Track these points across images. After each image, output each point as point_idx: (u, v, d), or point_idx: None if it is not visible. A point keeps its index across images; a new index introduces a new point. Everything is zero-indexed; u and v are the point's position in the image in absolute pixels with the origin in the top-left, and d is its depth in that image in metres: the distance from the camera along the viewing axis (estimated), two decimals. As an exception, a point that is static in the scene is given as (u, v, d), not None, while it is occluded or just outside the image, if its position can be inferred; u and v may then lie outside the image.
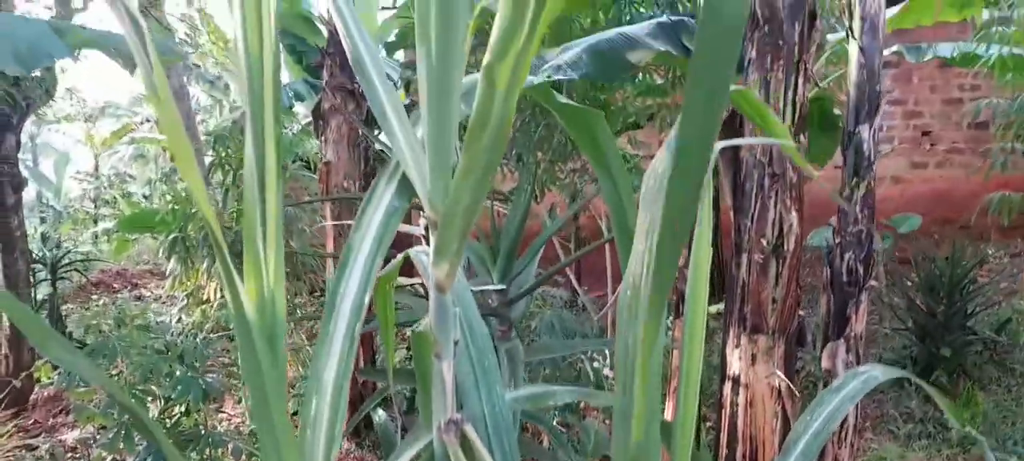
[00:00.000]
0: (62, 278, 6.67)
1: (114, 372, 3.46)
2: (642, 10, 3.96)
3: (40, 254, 6.48)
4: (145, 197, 10.13)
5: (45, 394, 4.86)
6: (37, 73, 4.08)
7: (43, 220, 9.47)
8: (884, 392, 4.57)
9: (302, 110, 7.09)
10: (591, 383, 3.52)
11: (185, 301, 5.89)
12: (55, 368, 4.81)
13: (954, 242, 5.18)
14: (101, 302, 7.47)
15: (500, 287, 2.40)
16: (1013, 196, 6.54)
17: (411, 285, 2.55)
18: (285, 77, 6.22)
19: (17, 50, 2.70)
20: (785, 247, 2.22)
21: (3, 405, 4.27)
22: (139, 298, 7.88)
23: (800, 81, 2.16)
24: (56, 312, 5.73)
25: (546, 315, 4.30)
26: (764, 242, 2.23)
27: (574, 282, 5.58)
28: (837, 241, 2.41)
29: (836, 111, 4.15)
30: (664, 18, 3.05)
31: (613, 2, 3.87)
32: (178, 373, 3.05)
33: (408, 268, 1.10)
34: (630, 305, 0.87)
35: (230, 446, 2.95)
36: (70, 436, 4.26)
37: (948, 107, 7.82)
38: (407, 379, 2.65)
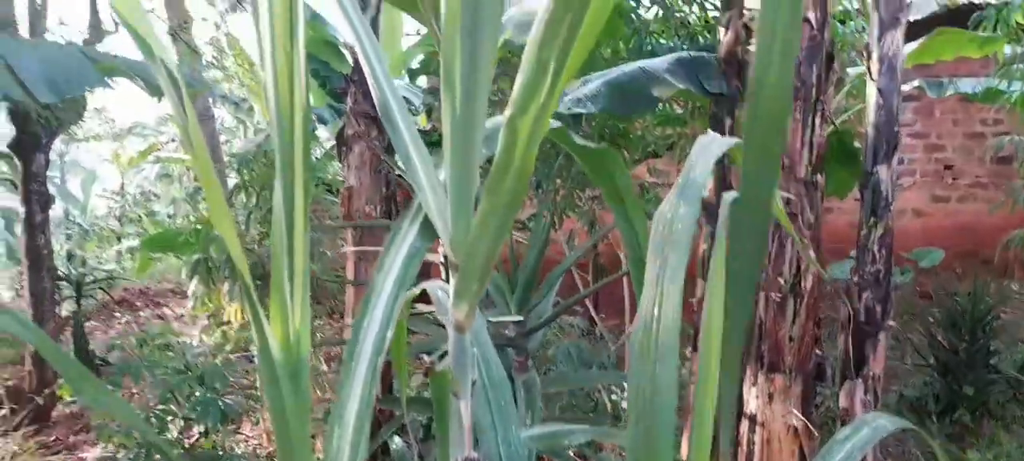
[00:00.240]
0: (86, 296, 6.78)
1: (136, 391, 3.51)
2: (663, 41, 3.99)
3: (65, 271, 6.60)
4: (169, 216, 10.27)
5: (67, 411, 4.93)
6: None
7: (69, 237, 9.63)
8: (905, 430, 4.49)
9: (325, 134, 7.17)
10: (608, 414, 3.52)
11: (207, 322, 5.96)
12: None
13: (976, 278, 5.12)
14: (124, 320, 7.57)
15: (518, 318, 2.41)
16: (1036, 232, 6.44)
17: (430, 313, 2.57)
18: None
19: (51, 78, 2.78)
20: (802, 285, 2.22)
21: (26, 421, 4.34)
22: (161, 317, 7.97)
23: (817, 121, 2.17)
24: (79, 329, 5.82)
25: (563, 344, 4.30)
26: (781, 281, 2.23)
27: (592, 311, 5.56)
28: (855, 280, 2.40)
29: (856, 144, 4.13)
30: (684, 53, 3.07)
31: (634, 34, 3.90)
32: (198, 394, 3.09)
33: (427, 294, 1.11)
34: (642, 344, 0.89)
35: (247, 469, 2.99)
36: (91, 454, 4.31)
37: (970, 141, 7.75)
38: (423, 407, 2.66)
